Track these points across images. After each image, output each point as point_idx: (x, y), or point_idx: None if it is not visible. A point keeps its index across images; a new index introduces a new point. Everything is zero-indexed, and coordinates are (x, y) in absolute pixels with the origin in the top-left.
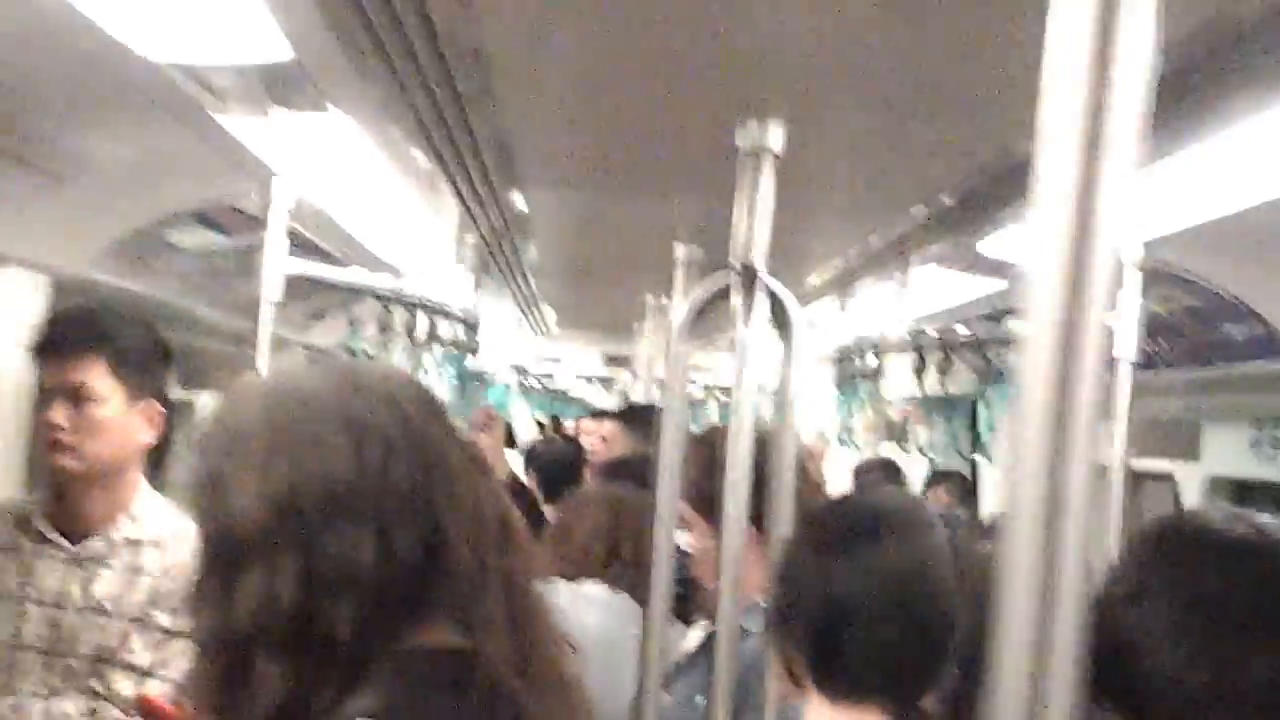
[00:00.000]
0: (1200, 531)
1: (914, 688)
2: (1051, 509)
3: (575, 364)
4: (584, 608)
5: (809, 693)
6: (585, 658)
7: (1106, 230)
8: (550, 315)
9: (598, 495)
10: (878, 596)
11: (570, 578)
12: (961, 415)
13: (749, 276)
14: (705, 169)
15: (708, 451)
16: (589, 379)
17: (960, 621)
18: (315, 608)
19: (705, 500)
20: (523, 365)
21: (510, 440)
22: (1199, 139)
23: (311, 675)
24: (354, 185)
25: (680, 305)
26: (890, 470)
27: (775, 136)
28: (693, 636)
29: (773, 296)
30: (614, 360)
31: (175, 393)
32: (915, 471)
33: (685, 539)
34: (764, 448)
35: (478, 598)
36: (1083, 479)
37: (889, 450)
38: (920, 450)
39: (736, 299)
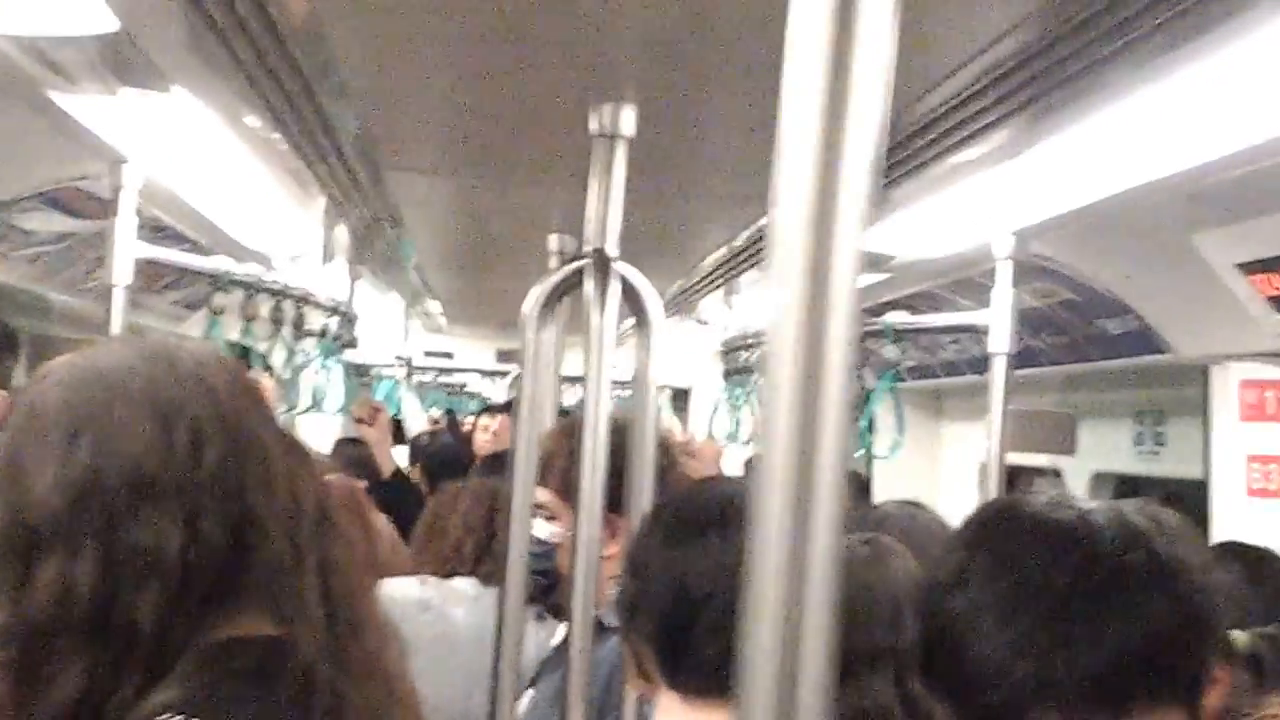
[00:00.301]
0: (1024, 517)
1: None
2: (801, 500)
3: (467, 358)
4: (453, 603)
5: (660, 690)
6: (453, 652)
7: (845, 219)
8: (436, 308)
9: (471, 489)
10: (728, 589)
11: (442, 573)
12: (867, 412)
13: (602, 263)
14: (570, 156)
15: (575, 441)
16: (483, 373)
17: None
18: (116, 597)
19: (572, 491)
20: (411, 359)
21: (400, 435)
22: (1067, 125)
23: (112, 667)
24: (212, 171)
25: (535, 294)
26: None
27: (627, 120)
28: (561, 631)
29: (631, 285)
30: (505, 354)
31: (23, 380)
32: None
33: (549, 530)
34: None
35: (292, 586)
36: (830, 471)
37: None
38: None
39: (590, 286)
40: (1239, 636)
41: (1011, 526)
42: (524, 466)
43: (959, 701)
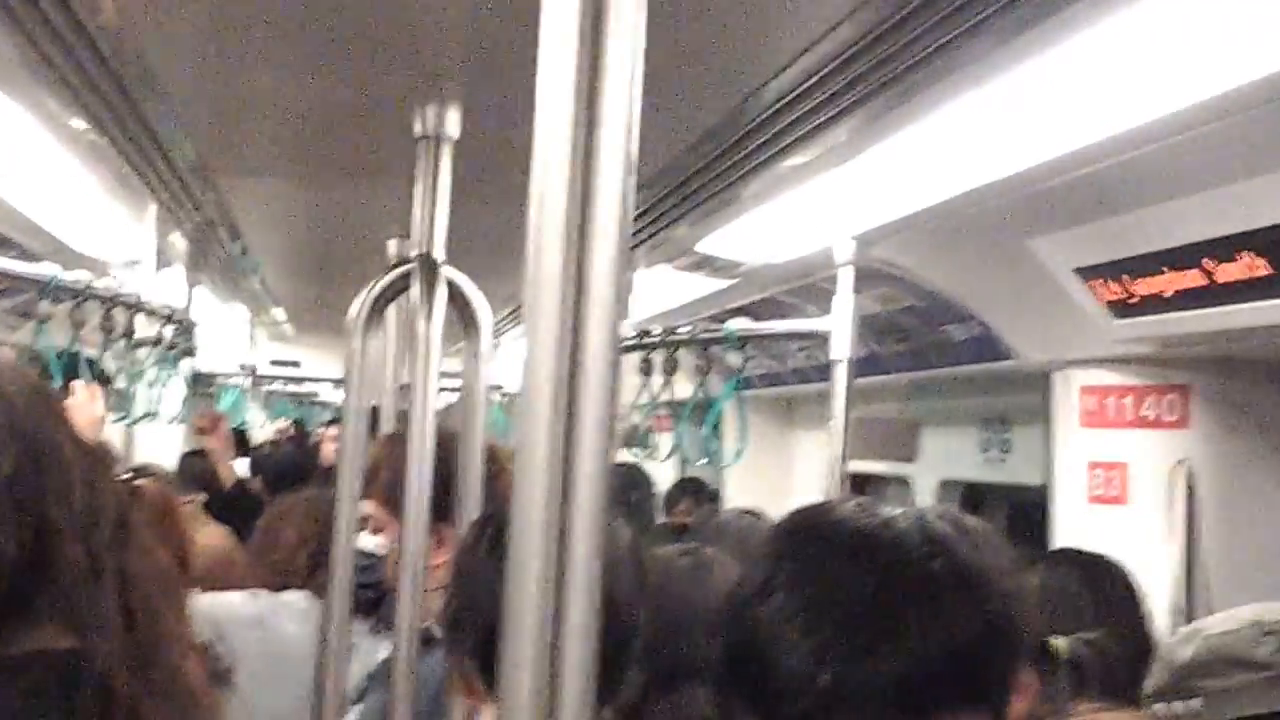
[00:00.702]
0: (828, 524)
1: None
2: (561, 500)
3: (315, 367)
4: (284, 617)
5: (486, 704)
6: (283, 667)
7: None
8: (282, 316)
9: (307, 500)
10: None
11: (275, 585)
12: (710, 420)
13: (428, 268)
14: (401, 158)
15: (401, 451)
16: (333, 382)
17: (642, 629)
18: None
19: (398, 502)
20: (255, 368)
21: (245, 446)
22: (902, 125)
23: None
24: (40, 177)
25: (360, 300)
26: (633, 476)
27: (452, 122)
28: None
29: (460, 290)
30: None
31: None
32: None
33: (374, 541)
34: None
35: (90, 597)
36: (592, 471)
37: (630, 456)
38: (669, 457)
39: (415, 293)
40: (1060, 642)
41: (816, 534)
42: (349, 478)
43: (764, 712)
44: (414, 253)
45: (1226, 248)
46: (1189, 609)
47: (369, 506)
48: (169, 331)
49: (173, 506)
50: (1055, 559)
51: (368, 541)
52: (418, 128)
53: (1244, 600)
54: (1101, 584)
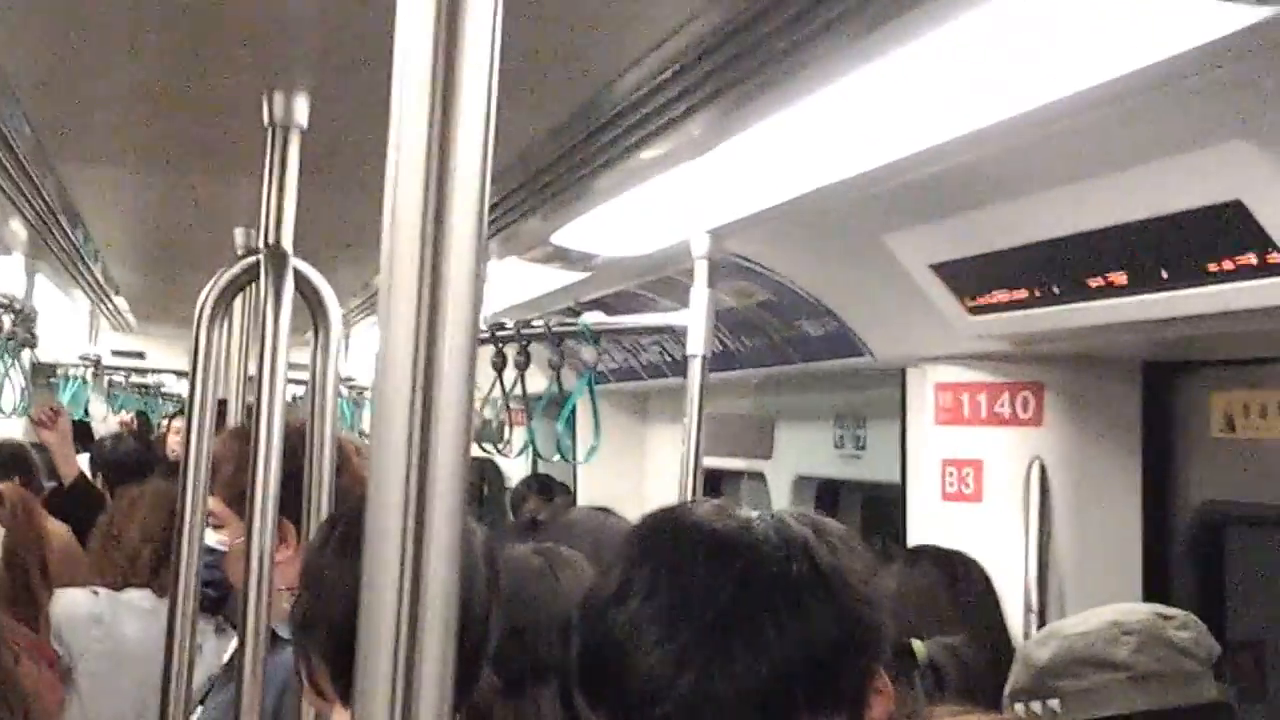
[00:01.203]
0: (686, 527)
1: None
2: (418, 496)
3: (160, 358)
4: (124, 616)
5: (335, 706)
6: (123, 668)
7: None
8: (125, 306)
9: (151, 495)
10: None
11: (118, 584)
12: (564, 415)
13: (277, 259)
14: (248, 147)
15: (246, 446)
16: (178, 374)
17: (494, 629)
18: None
19: (241, 497)
20: (98, 360)
21: (88, 439)
22: (757, 118)
23: None
24: None
25: (208, 291)
26: (485, 473)
27: (300, 110)
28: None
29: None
30: None
31: None
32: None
33: (216, 538)
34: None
35: None
36: (450, 466)
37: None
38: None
39: (263, 283)
40: (918, 646)
41: (673, 537)
42: (195, 473)
43: (619, 718)
44: (262, 243)
45: (1081, 245)
46: (1042, 607)
47: (210, 503)
48: (8, 321)
49: (32, 508)
50: (914, 556)
51: (210, 537)
52: (266, 116)
53: (1097, 598)
54: (960, 582)
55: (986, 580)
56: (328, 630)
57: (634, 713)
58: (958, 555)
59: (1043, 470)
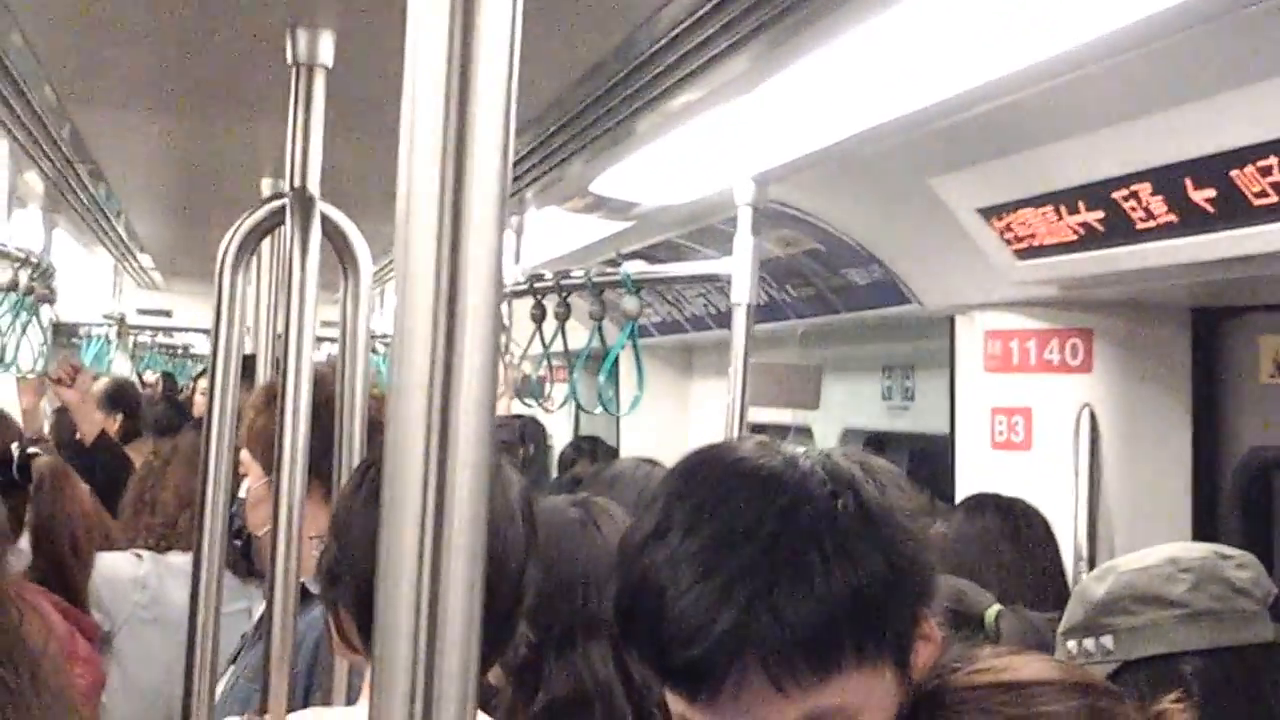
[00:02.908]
0: (728, 463)
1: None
2: (440, 452)
3: (187, 317)
4: (169, 580)
5: (367, 660)
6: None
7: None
8: (149, 262)
9: (181, 455)
10: None
11: (156, 548)
12: (605, 368)
13: (304, 204)
14: (274, 89)
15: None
16: (206, 333)
17: (531, 587)
18: None
19: (267, 445)
20: (122, 318)
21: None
22: (799, 57)
23: None
24: None
25: (230, 238)
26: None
27: (325, 48)
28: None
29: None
30: None
31: None
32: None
33: (241, 487)
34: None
35: None
36: (474, 423)
37: (523, 407)
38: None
39: (290, 228)
40: (990, 615)
41: (714, 473)
42: (219, 429)
43: (660, 659)
44: (288, 187)
45: (1128, 186)
46: (1092, 554)
47: (242, 453)
48: (25, 276)
49: (70, 480)
50: (974, 503)
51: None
52: (289, 55)
53: (1146, 544)
54: (1022, 527)
55: (1047, 528)
56: (355, 581)
57: (672, 654)
58: (1019, 503)
59: (1092, 417)
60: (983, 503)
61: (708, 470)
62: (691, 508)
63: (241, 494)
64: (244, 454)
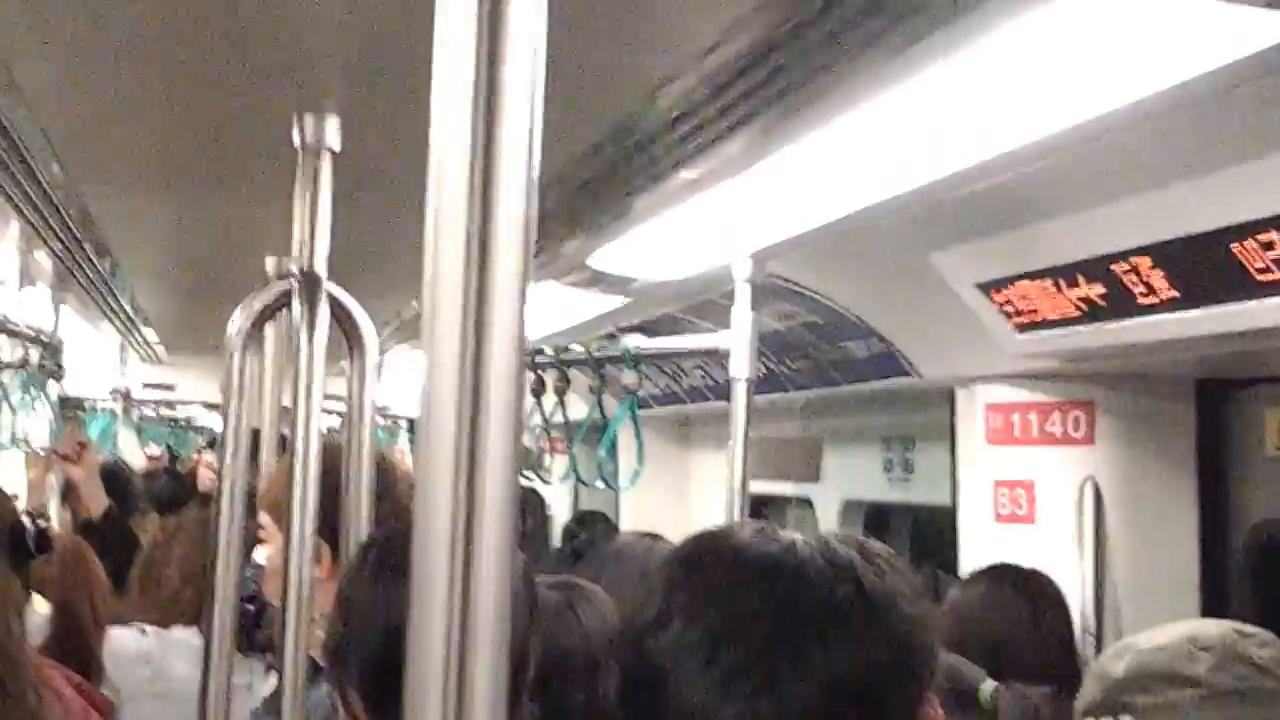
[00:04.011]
0: (728, 550)
1: None
2: (466, 529)
3: (191, 390)
4: (173, 655)
5: None
6: (173, 708)
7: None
8: (154, 337)
9: (186, 532)
10: None
11: (162, 622)
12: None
13: (310, 284)
14: (279, 171)
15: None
16: (209, 406)
17: (534, 657)
18: None
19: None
20: (128, 392)
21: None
22: (799, 136)
23: None
24: None
25: (238, 318)
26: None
27: (331, 132)
28: (274, 682)
29: (343, 307)
30: None
31: None
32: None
33: (261, 554)
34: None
35: None
36: (499, 492)
37: (522, 480)
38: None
39: (297, 309)
40: (985, 690)
41: (715, 560)
42: (230, 505)
43: None
44: (294, 268)
45: (1129, 260)
46: (1099, 629)
47: (263, 516)
48: (35, 354)
49: (85, 555)
50: (994, 574)
51: (258, 554)
52: (297, 139)
53: (1153, 619)
54: (1039, 597)
55: (1064, 601)
56: (361, 658)
57: None
58: (1038, 575)
59: (1096, 490)
60: (1002, 573)
61: (708, 558)
62: (692, 596)
63: (260, 560)
64: (266, 519)
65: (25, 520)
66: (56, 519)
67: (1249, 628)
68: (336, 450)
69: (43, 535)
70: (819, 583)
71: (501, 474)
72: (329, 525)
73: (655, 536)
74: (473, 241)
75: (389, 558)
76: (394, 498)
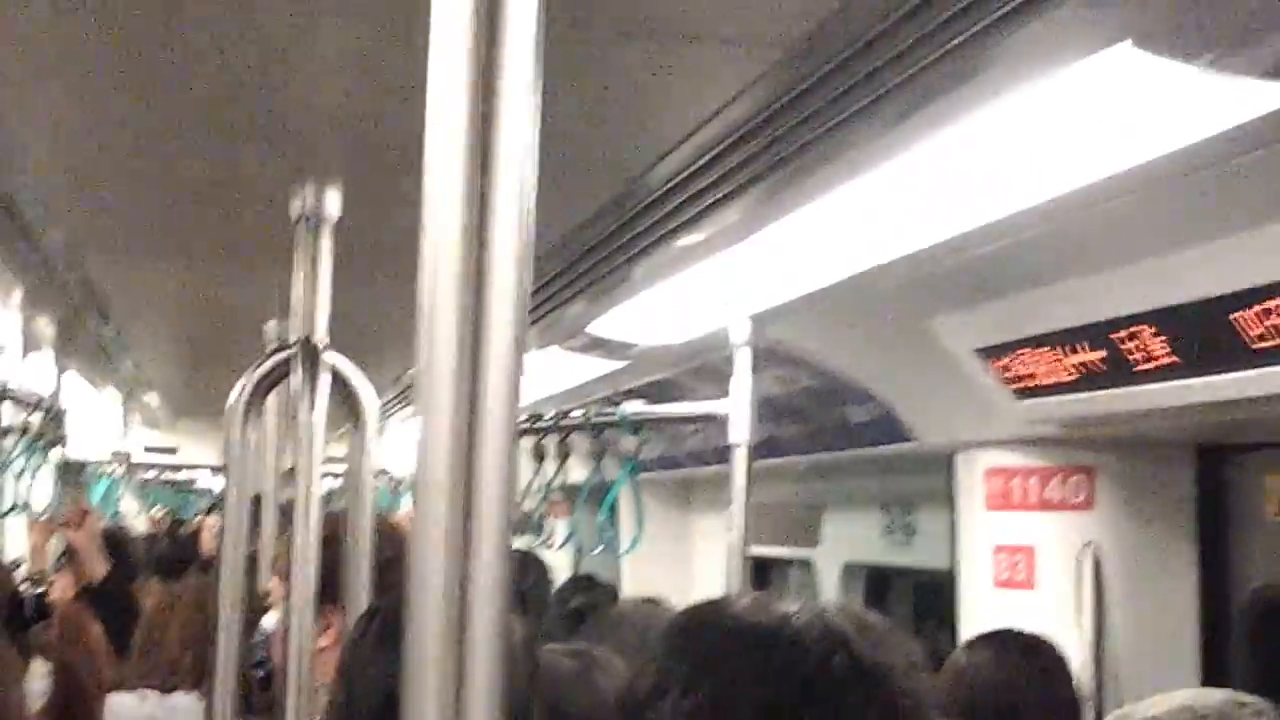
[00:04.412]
0: (724, 621)
1: None
2: (460, 592)
3: (193, 454)
4: None
5: None
6: None
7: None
8: (156, 401)
9: (188, 597)
10: None
11: (163, 688)
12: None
13: (310, 353)
14: (278, 240)
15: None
16: (212, 469)
17: None
18: None
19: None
20: (129, 456)
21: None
22: (797, 204)
23: None
24: None
25: (240, 387)
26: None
27: (331, 203)
28: None
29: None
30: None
31: None
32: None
33: (273, 619)
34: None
35: None
36: (493, 563)
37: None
38: (564, 544)
39: (297, 379)
40: None
41: (711, 631)
42: (232, 571)
43: None
44: (294, 337)
45: (1127, 328)
46: (1099, 698)
47: (274, 582)
48: (37, 419)
49: (85, 620)
50: (1000, 639)
51: (267, 620)
52: (296, 209)
53: (1153, 686)
54: (1043, 662)
55: (1068, 667)
56: None
57: None
58: (1035, 637)
59: (1096, 555)
60: (1007, 639)
61: (704, 628)
62: (690, 667)
63: (268, 625)
64: (276, 585)
65: (24, 588)
66: (58, 584)
67: (1246, 697)
68: (343, 519)
69: (41, 602)
70: (815, 653)
71: (495, 538)
72: (337, 593)
73: (656, 602)
74: (467, 314)
75: (391, 626)
76: (401, 559)
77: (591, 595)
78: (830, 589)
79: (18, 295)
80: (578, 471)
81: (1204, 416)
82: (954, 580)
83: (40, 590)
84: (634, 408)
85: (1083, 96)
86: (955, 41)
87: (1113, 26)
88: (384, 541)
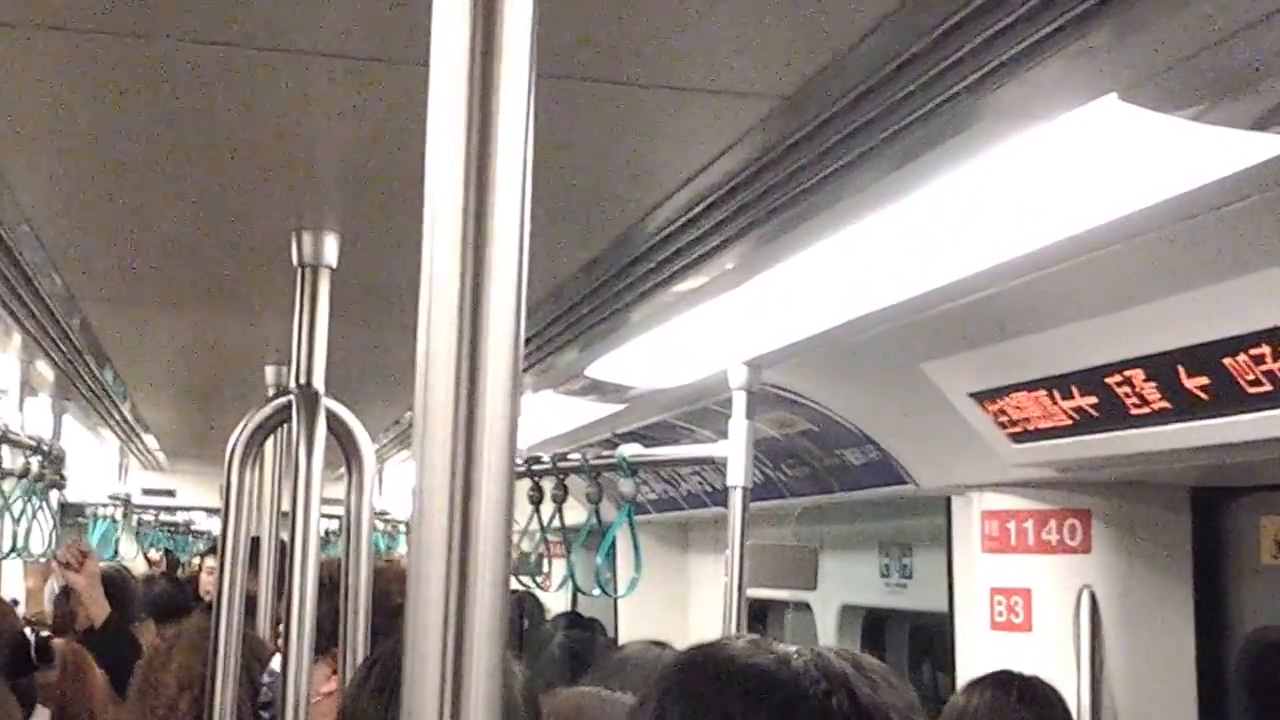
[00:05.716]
0: (722, 661)
1: None
2: (457, 636)
3: (191, 496)
4: None
5: None
6: None
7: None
8: (154, 444)
9: (187, 639)
10: None
11: None
12: (603, 548)
13: (308, 399)
14: (277, 286)
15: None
16: (209, 511)
17: None
18: None
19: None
20: (128, 498)
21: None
22: (794, 249)
23: None
24: None
25: (239, 432)
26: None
27: (329, 250)
28: None
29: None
30: None
31: None
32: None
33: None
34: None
35: None
36: (489, 602)
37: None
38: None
39: (296, 424)
40: None
41: (708, 672)
42: (229, 613)
43: None
44: (293, 383)
45: (1122, 373)
46: None
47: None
48: (36, 463)
49: (86, 663)
50: (998, 681)
51: (276, 660)
52: (295, 256)
53: None
54: (1041, 703)
55: (1066, 710)
56: None
57: None
58: (1033, 679)
59: (1093, 598)
60: (1005, 680)
61: (701, 669)
62: (687, 708)
63: (278, 666)
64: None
65: (27, 631)
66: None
67: None
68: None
69: (44, 645)
70: (812, 694)
71: (492, 579)
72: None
73: (661, 644)
74: (463, 361)
75: (392, 672)
76: (395, 609)
77: (572, 632)
78: (827, 631)
79: (17, 340)
80: (576, 513)
81: (1198, 460)
82: (951, 622)
83: (45, 634)
84: (632, 450)
85: (1070, 148)
86: (944, 95)
87: (1099, 80)
88: (395, 586)
